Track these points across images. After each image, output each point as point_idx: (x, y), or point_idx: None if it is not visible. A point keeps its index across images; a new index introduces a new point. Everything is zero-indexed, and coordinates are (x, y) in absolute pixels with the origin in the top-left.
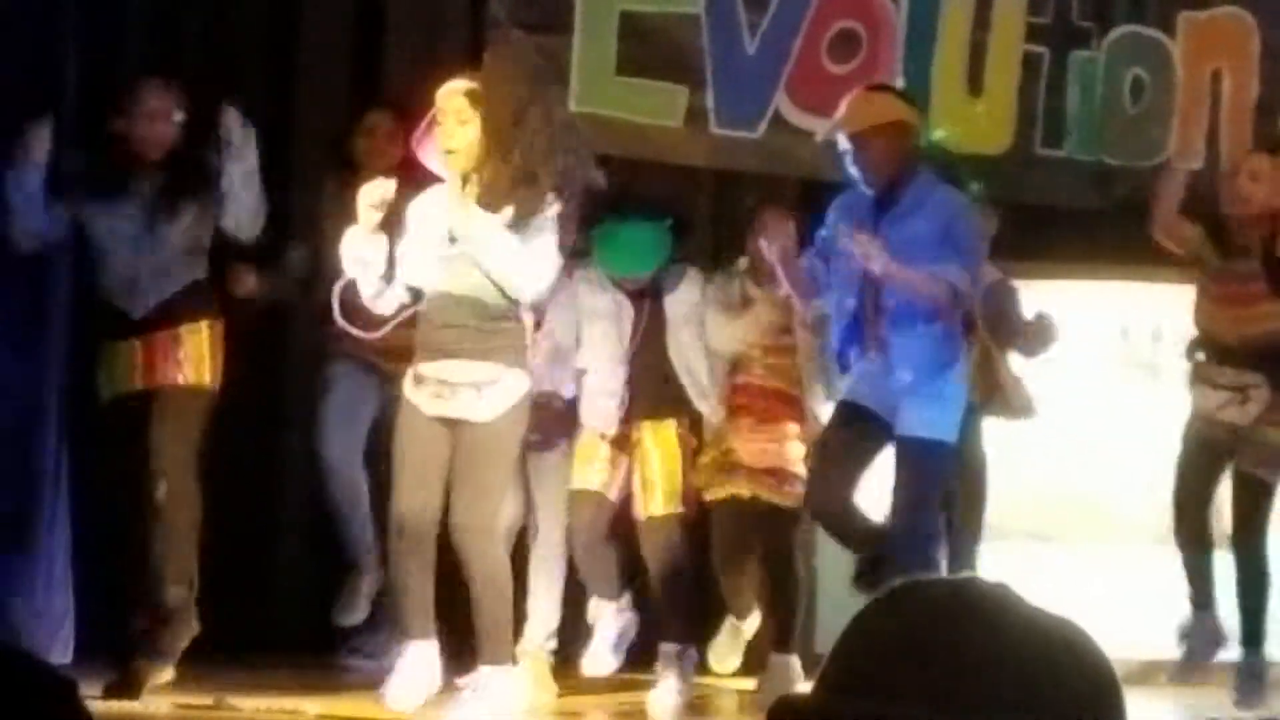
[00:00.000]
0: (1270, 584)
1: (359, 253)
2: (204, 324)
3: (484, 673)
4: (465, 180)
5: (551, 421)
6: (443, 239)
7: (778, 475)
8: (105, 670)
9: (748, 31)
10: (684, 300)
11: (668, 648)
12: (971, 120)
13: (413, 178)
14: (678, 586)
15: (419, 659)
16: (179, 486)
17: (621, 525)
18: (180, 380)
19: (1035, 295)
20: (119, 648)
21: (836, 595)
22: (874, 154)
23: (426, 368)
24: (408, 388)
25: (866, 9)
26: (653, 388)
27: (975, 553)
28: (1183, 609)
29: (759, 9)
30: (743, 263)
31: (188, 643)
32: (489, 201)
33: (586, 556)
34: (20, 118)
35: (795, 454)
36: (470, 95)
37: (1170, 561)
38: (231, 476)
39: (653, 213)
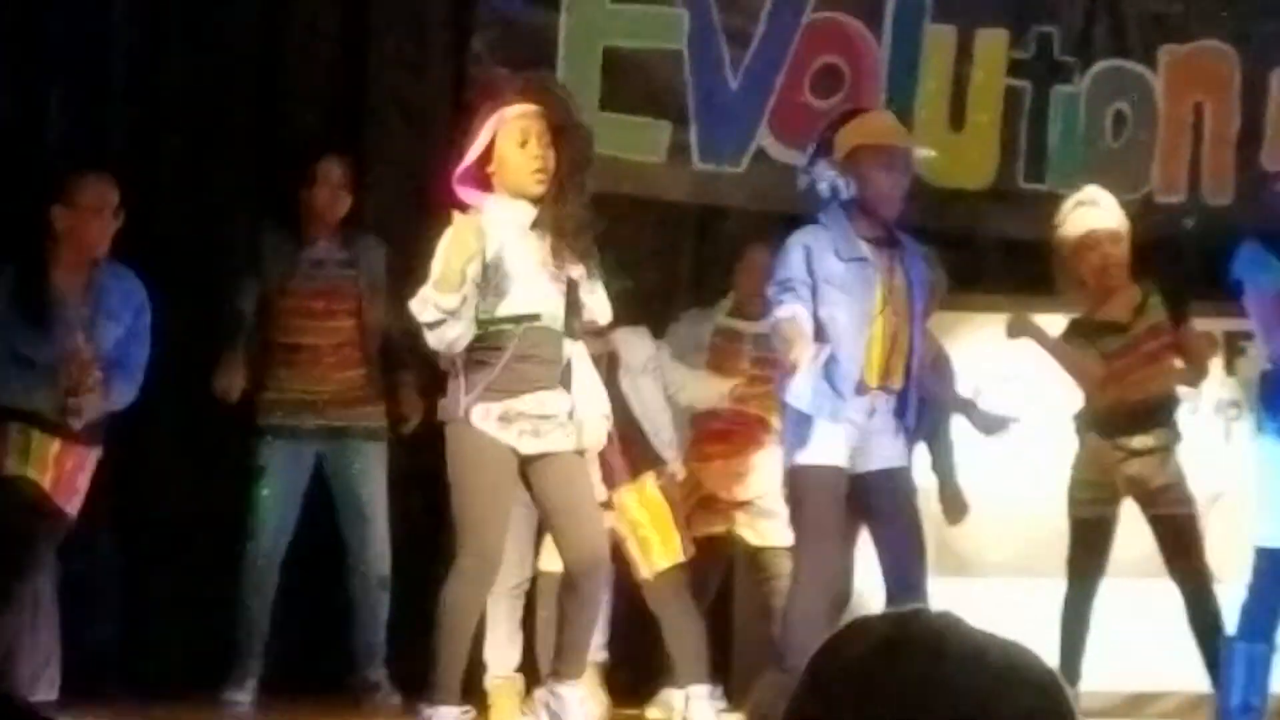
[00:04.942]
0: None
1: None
2: None
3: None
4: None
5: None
6: (542, 267)
7: (749, 509)
8: (91, 710)
9: (730, 67)
10: (639, 353)
11: (699, 689)
12: (954, 154)
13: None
14: (697, 627)
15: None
16: None
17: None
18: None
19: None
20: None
21: None
22: (908, 181)
23: (518, 403)
24: (490, 428)
25: (849, 44)
26: (624, 447)
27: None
28: (1169, 641)
29: (741, 44)
30: (729, 299)
31: None
32: (570, 231)
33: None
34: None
35: (771, 485)
36: (547, 119)
37: (1156, 594)
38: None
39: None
